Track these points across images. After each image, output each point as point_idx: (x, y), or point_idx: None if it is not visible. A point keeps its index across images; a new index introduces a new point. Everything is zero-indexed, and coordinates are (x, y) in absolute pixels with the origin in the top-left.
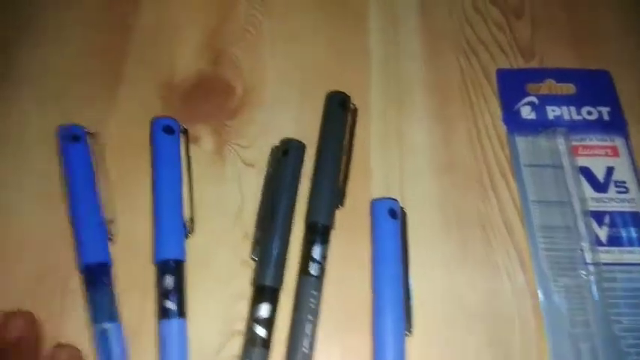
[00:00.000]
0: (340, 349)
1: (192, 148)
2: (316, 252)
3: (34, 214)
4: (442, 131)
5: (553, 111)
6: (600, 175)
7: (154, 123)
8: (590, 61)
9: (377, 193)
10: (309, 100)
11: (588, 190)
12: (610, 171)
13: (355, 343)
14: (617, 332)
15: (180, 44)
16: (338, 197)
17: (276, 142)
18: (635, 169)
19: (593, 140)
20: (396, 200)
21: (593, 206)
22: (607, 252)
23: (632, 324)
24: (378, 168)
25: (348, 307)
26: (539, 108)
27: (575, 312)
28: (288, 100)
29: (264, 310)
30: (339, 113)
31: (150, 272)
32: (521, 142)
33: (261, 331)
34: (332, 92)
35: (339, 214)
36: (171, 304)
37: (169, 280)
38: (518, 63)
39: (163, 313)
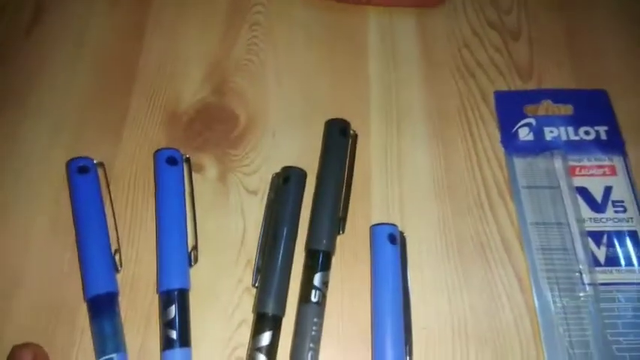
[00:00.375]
0: None
1: (196, 176)
2: (317, 279)
3: (44, 245)
4: (441, 155)
5: (551, 132)
6: (598, 195)
7: (157, 155)
8: (587, 80)
9: (377, 217)
10: (311, 128)
11: (586, 211)
12: (608, 190)
13: None
14: (616, 352)
15: (184, 75)
16: (339, 224)
17: (279, 169)
18: (633, 188)
19: (591, 160)
20: (395, 225)
21: (591, 227)
22: (605, 272)
23: (630, 344)
24: (378, 193)
25: (349, 332)
26: (536, 129)
27: (574, 332)
28: (290, 128)
29: (265, 338)
30: (339, 140)
31: (154, 302)
32: (520, 163)
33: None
34: (332, 119)
35: (340, 239)
36: (174, 334)
37: (172, 310)
38: (516, 84)
39: (167, 343)
